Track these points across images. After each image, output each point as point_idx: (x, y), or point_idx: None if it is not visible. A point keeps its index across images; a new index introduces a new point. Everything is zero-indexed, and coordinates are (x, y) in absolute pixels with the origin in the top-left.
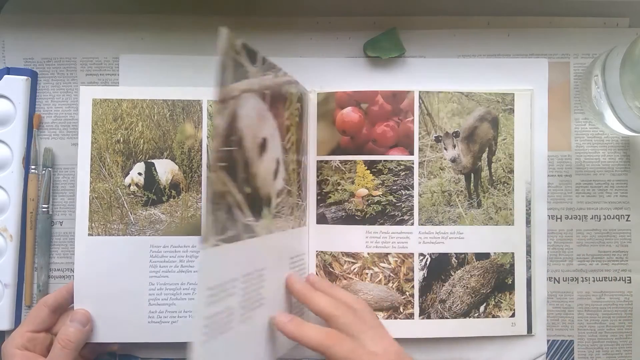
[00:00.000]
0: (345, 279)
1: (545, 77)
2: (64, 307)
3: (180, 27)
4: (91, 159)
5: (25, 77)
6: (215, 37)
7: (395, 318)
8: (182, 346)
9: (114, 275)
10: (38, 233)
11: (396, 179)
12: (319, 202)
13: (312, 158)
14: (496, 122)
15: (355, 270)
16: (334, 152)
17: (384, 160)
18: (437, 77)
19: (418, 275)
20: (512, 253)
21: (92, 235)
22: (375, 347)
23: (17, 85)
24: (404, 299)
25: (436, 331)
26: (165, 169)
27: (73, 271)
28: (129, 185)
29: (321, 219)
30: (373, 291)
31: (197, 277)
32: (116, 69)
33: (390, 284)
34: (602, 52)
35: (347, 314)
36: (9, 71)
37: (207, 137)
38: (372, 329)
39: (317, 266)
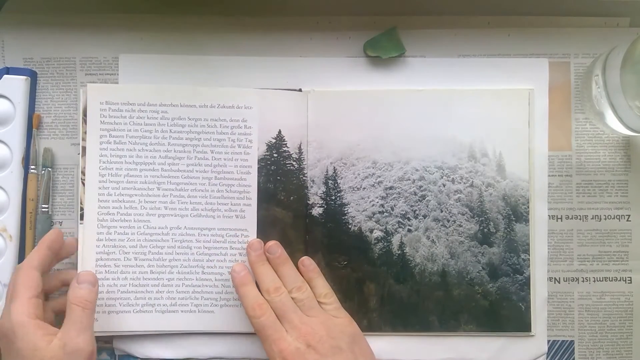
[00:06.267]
0: None
1: (545, 77)
2: (50, 267)
3: (180, 27)
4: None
5: (24, 77)
6: (215, 37)
7: None
8: (181, 346)
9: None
10: (38, 233)
11: None
12: None
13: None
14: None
15: None
16: None
17: None
18: (437, 77)
19: None
20: None
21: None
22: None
23: (16, 85)
24: None
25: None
26: None
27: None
28: None
29: None
30: None
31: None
32: (116, 68)
33: None
34: (603, 51)
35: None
36: (8, 71)
37: None
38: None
39: None
